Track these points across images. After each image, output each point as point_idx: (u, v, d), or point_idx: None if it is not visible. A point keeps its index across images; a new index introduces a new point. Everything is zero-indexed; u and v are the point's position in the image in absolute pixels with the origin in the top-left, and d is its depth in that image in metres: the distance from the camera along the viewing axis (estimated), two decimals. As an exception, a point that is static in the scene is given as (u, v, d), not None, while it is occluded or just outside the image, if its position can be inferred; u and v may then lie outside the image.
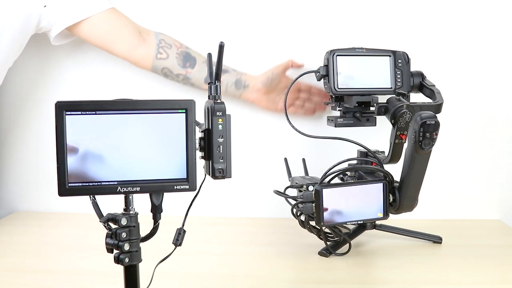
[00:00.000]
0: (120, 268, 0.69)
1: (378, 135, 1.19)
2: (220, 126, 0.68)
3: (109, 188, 0.65)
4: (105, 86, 1.34)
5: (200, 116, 0.70)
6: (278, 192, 1.08)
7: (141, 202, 0.73)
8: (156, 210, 0.70)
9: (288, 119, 1.10)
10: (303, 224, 1.06)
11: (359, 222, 1.04)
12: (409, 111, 1.02)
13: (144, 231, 0.70)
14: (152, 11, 1.32)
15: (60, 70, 1.34)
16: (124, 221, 0.67)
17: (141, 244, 0.70)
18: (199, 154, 0.69)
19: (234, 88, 1.25)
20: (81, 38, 1.21)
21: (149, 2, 1.32)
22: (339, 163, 1.02)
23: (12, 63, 1.20)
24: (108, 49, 1.21)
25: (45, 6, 1.13)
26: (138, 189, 0.66)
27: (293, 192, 1.08)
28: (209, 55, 0.72)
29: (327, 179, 1.01)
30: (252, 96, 1.26)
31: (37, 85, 1.35)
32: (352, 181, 1.08)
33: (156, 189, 0.67)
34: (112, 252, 0.69)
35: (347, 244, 1.07)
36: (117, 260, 0.68)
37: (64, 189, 0.63)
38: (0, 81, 1.19)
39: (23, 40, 1.16)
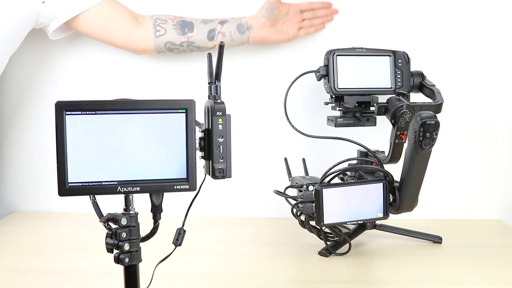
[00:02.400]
0: (120, 268, 0.69)
1: (378, 135, 1.19)
2: (220, 126, 0.68)
3: (109, 188, 0.65)
4: (103, 82, 1.34)
5: (200, 116, 0.70)
6: (278, 192, 1.08)
7: (141, 202, 0.73)
8: (156, 210, 0.70)
9: (288, 119, 1.10)
10: (303, 224, 1.06)
11: (359, 222, 1.04)
12: (409, 111, 1.02)
13: (144, 231, 0.70)
14: (154, 9, 1.32)
15: (57, 68, 1.34)
16: (124, 221, 0.67)
17: (141, 244, 0.70)
18: (199, 154, 0.69)
19: (238, 34, 1.23)
20: (79, 31, 1.21)
21: (151, 2, 1.32)
22: (339, 163, 1.02)
23: (7, 60, 1.20)
24: (108, 39, 1.21)
25: (43, 2, 1.13)
26: (138, 189, 0.66)
27: (293, 192, 1.08)
28: (209, 55, 0.72)
29: (327, 179, 1.01)
30: (259, 34, 1.24)
31: (35, 83, 1.35)
32: (352, 181, 1.08)
33: (156, 189, 0.67)
34: (112, 252, 0.69)
35: (347, 244, 1.07)
36: (117, 260, 0.68)
37: (64, 189, 0.63)
38: None
39: (22, 36, 1.16)
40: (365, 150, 1.09)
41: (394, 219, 1.10)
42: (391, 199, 1.03)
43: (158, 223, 0.70)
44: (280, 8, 1.23)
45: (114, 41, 1.22)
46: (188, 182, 0.67)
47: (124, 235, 0.67)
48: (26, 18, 1.12)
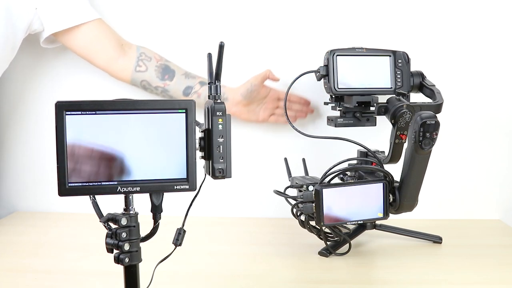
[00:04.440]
0: (120, 268, 0.69)
1: (378, 135, 1.19)
2: (220, 126, 0.68)
3: (109, 188, 0.65)
4: (103, 82, 1.33)
5: (200, 116, 0.70)
6: (278, 192, 1.08)
7: (141, 202, 0.73)
8: (156, 210, 0.70)
9: (288, 119, 1.10)
10: (303, 224, 1.06)
11: (359, 222, 1.04)
12: (409, 111, 1.02)
13: (144, 231, 0.70)
14: (152, 11, 1.32)
15: (57, 68, 1.34)
16: (124, 221, 0.67)
17: (141, 244, 0.70)
18: (199, 154, 0.69)
19: None
20: (64, 45, 1.22)
21: (149, 2, 1.32)
22: (339, 163, 1.02)
23: (8, 65, 1.20)
24: (90, 59, 1.22)
25: (36, 8, 1.13)
26: (138, 189, 0.66)
27: (293, 192, 1.08)
28: (209, 55, 0.72)
29: (327, 179, 1.01)
30: (231, 109, 1.24)
31: (35, 83, 1.35)
32: (352, 181, 1.08)
33: (156, 189, 0.67)
34: (112, 252, 0.69)
35: (347, 244, 1.07)
36: (117, 260, 0.68)
37: (64, 189, 0.63)
38: None
39: (14, 42, 1.16)
40: (365, 150, 1.09)
41: (394, 219, 1.10)
42: (391, 199, 1.03)
43: (158, 223, 0.70)
44: (260, 91, 1.24)
45: (95, 62, 1.22)
46: (188, 182, 0.67)
47: (124, 235, 0.67)
48: (18, 22, 1.12)
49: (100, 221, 0.67)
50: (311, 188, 1.01)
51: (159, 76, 1.22)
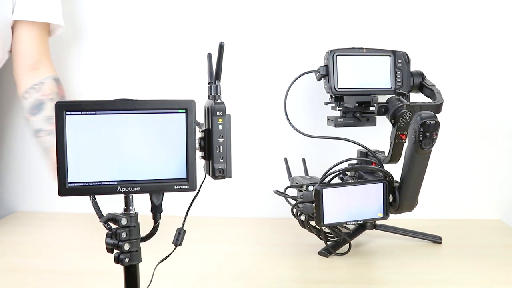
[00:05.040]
0: (120, 268, 0.69)
1: (378, 135, 1.19)
2: (220, 126, 0.68)
3: (109, 188, 0.65)
4: (103, 82, 1.34)
5: (200, 116, 0.70)
6: (278, 192, 1.08)
7: (141, 202, 0.73)
8: (156, 210, 0.70)
9: (288, 119, 1.10)
10: (303, 224, 1.06)
11: (359, 222, 1.04)
12: (409, 111, 1.02)
13: (144, 231, 0.70)
14: (153, 10, 1.32)
15: (57, 68, 1.34)
16: (124, 221, 0.67)
17: (141, 244, 0.70)
18: (199, 154, 0.69)
19: None
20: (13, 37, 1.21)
21: (150, 2, 1.32)
22: (339, 163, 1.02)
23: (8, 55, 1.20)
24: (14, 62, 1.21)
25: None
26: (138, 189, 0.66)
27: (293, 192, 1.08)
28: (209, 55, 0.72)
29: (327, 179, 1.01)
30: None
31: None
32: (352, 181, 1.08)
33: (156, 189, 0.67)
34: (112, 252, 0.69)
35: (347, 244, 1.07)
36: (117, 260, 0.68)
37: (64, 189, 0.64)
38: None
39: (8, 31, 1.16)
40: (365, 150, 1.09)
41: (394, 219, 1.10)
42: (391, 199, 1.03)
43: (158, 223, 0.70)
44: None
45: (14, 67, 1.21)
46: (188, 182, 0.67)
47: (124, 235, 0.67)
48: (8, 12, 1.13)
49: (100, 221, 0.67)
50: (311, 188, 1.01)
51: (30, 107, 1.20)
